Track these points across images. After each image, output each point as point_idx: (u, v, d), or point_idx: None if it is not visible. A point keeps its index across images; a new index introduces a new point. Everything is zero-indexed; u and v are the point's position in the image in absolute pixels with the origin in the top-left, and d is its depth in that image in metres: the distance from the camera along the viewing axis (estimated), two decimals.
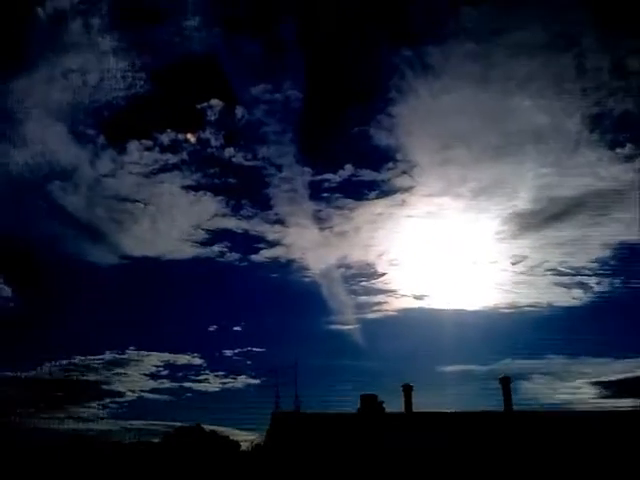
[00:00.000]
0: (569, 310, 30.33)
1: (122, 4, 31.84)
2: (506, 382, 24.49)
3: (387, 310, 31.65)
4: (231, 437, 27.09)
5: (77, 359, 28.42)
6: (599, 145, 31.02)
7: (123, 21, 31.89)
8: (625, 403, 24.28)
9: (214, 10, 32.02)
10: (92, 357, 28.98)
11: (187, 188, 32.84)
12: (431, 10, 30.44)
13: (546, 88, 31.48)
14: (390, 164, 32.80)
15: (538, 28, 30.60)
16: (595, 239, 30.18)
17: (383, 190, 32.54)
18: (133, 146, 32.80)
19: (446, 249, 32.76)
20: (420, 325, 31.62)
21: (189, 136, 32.88)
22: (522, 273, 31.52)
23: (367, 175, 33.19)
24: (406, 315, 31.68)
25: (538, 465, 20.20)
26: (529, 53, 31.36)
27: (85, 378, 28.56)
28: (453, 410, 23.63)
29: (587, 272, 30.89)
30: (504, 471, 20.27)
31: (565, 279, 30.99)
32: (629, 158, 30.43)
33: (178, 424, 27.01)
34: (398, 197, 32.41)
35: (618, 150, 30.67)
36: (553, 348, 28.41)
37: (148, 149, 32.83)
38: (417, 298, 32.20)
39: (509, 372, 25.19)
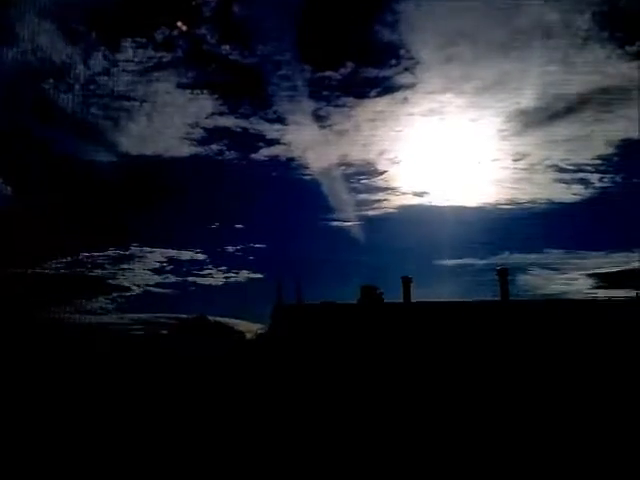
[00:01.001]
0: (568, 206, 30.30)
1: None
2: (503, 274, 25.01)
3: (387, 207, 31.62)
4: (235, 327, 28.03)
5: (81, 256, 28.84)
6: (609, 42, 29.69)
7: None
8: (619, 294, 25.03)
9: None
10: (97, 254, 29.44)
11: (183, 86, 31.78)
12: None
13: None
14: (392, 61, 31.43)
15: None
16: (599, 137, 29.66)
17: (384, 87, 31.34)
18: (126, 44, 31.36)
19: (447, 147, 32.23)
20: (420, 221, 31.61)
21: (180, 24, 31.32)
22: (523, 170, 31.13)
23: (368, 72, 31.96)
24: (406, 212, 31.66)
25: (533, 348, 21.14)
26: None
27: (91, 274, 29.15)
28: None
29: (589, 169, 30.58)
30: (499, 353, 21.23)
31: (566, 176, 30.73)
32: (639, 56, 29.31)
33: (184, 316, 27.89)
34: (400, 95, 31.36)
35: (627, 47, 29.46)
36: (551, 242, 28.89)
37: (142, 47, 31.48)
38: (417, 195, 32.09)
39: (507, 265, 25.70)
